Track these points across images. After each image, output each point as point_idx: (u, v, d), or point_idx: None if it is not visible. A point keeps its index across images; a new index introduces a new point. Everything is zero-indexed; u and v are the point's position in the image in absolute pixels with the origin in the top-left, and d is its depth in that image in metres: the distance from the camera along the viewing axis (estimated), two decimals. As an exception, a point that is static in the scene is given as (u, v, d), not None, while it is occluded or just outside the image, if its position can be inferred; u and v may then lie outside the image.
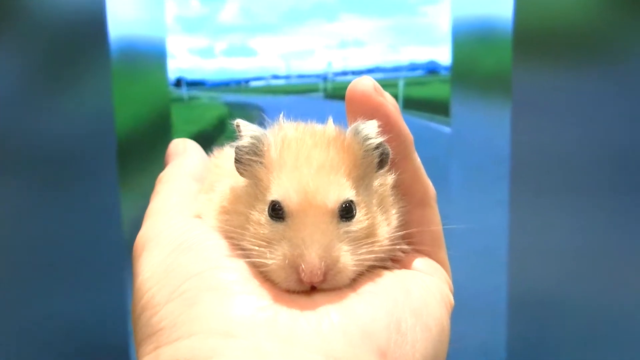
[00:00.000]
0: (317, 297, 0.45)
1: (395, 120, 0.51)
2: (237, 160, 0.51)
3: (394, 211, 0.52)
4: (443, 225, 0.55)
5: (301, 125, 0.52)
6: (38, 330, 1.39)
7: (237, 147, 0.50)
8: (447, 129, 1.39)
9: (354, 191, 0.48)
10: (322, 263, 0.45)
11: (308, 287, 0.45)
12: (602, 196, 1.28)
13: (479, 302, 1.31)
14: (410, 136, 0.53)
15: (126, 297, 1.37)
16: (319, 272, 0.44)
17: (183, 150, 0.63)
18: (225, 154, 0.60)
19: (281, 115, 0.53)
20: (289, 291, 0.45)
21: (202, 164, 0.61)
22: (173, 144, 0.65)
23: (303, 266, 0.44)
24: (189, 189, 0.57)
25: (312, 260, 0.44)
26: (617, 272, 1.30)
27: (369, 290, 0.46)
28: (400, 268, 0.51)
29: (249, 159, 0.50)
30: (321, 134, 0.50)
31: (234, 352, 0.40)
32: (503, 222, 1.30)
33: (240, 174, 0.51)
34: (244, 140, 0.50)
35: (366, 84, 0.50)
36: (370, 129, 0.49)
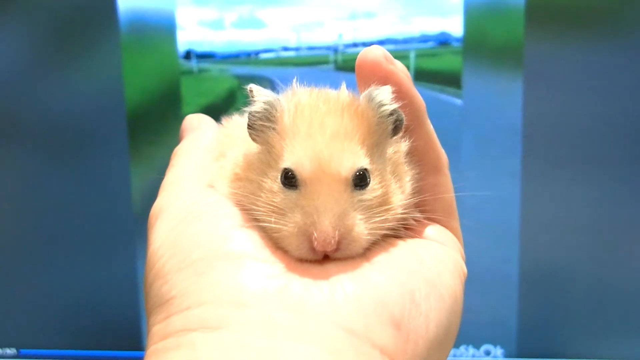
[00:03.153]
0: (330, 267, 0.44)
1: (407, 87, 0.50)
2: (250, 126, 0.50)
3: (407, 178, 0.51)
4: (455, 193, 0.55)
5: (315, 91, 0.51)
6: (47, 302, 1.40)
7: (250, 113, 0.50)
8: (458, 101, 1.37)
9: (368, 159, 0.47)
10: (336, 231, 0.44)
11: (321, 255, 0.44)
12: (616, 168, 1.27)
13: (490, 274, 1.31)
14: (422, 103, 0.52)
15: (135, 269, 1.38)
16: (332, 241, 0.44)
17: (198, 125, 0.63)
18: (235, 122, 0.59)
19: (294, 81, 0.52)
20: (302, 260, 0.45)
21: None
22: (187, 119, 0.65)
23: (316, 234, 0.44)
24: (204, 161, 0.56)
25: (326, 228, 0.44)
26: (630, 245, 1.29)
27: (383, 260, 0.45)
28: (412, 236, 0.50)
29: (261, 124, 0.49)
30: (335, 101, 0.49)
31: (244, 321, 0.40)
32: (515, 194, 1.30)
33: (253, 140, 0.50)
34: (257, 106, 0.49)
35: (376, 53, 0.49)
36: (385, 95, 0.48)
